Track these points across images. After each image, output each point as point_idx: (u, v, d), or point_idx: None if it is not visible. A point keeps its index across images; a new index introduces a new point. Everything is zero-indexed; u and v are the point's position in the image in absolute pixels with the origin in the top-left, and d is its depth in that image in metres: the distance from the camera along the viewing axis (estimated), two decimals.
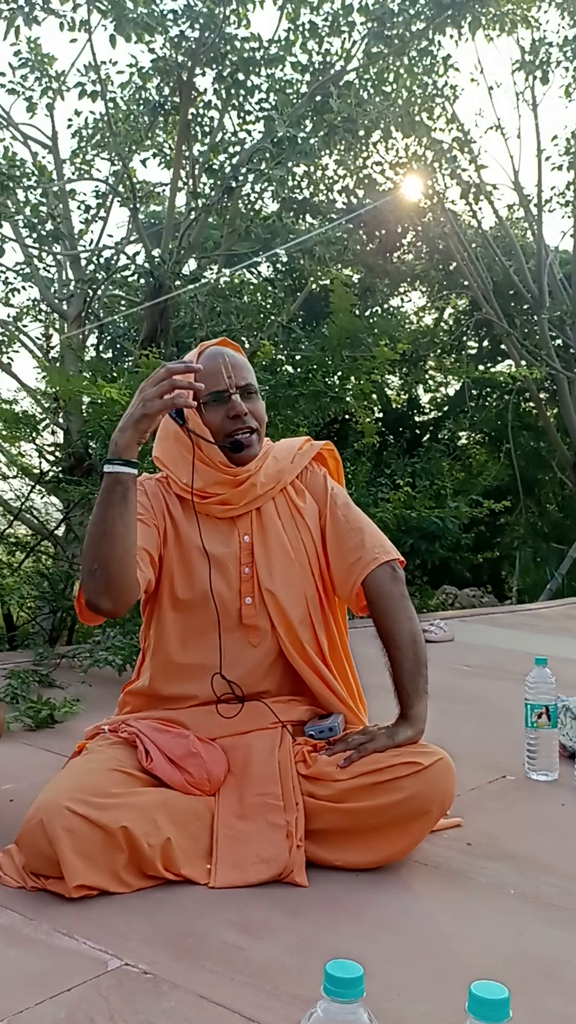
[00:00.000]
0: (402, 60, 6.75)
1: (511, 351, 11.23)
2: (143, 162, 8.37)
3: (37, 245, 6.99)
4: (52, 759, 2.24)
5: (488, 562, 11.10)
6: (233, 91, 6.44)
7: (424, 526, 5.95)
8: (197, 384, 1.57)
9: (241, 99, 6.54)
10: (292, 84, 6.71)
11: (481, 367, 11.45)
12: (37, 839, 1.46)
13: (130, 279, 7.76)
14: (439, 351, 12.16)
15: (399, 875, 1.62)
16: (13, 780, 2.05)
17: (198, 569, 1.73)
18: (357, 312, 7.59)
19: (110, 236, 14.71)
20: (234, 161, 6.59)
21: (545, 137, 13.02)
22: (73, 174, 7.56)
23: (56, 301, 7.44)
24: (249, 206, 7.13)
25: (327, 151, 7.28)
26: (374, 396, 10.07)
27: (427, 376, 12.81)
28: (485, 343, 13.33)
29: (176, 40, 6.07)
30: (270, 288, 9.89)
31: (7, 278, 7.92)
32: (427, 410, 13.67)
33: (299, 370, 5.83)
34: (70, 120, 7.94)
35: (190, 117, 6.64)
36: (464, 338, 13.28)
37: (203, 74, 6.43)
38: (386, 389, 12.27)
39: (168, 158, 7.43)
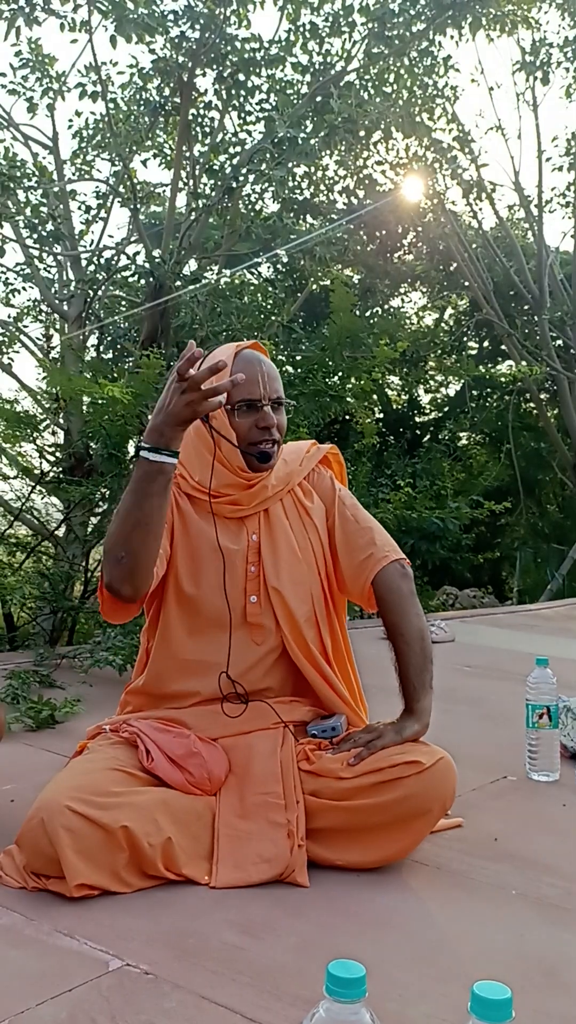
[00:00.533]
0: (402, 60, 6.74)
1: (512, 352, 11.23)
2: (144, 163, 8.38)
3: (38, 246, 6.99)
4: (53, 759, 2.24)
5: (489, 563, 11.11)
6: (233, 92, 6.44)
7: (425, 526, 5.96)
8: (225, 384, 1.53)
9: (241, 100, 6.54)
10: (292, 85, 6.71)
11: (482, 368, 11.46)
12: (38, 838, 1.46)
13: (130, 280, 7.76)
14: (439, 352, 12.16)
15: (400, 875, 1.62)
16: (14, 780, 2.05)
17: (208, 566, 1.74)
18: (357, 312, 7.59)
19: (111, 237, 14.70)
20: (234, 162, 6.59)
21: (545, 138, 13.03)
22: (74, 175, 7.56)
23: (56, 301, 7.44)
24: (249, 206, 7.13)
25: (328, 151, 7.27)
26: (375, 397, 10.08)
27: (427, 376, 12.81)
28: (485, 344, 13.33)
29: (177, 41, 6.07)
30: (270, 288, 9.89)
31: (8, 278, 7.93)
32: (427, 411, 13.68)
33: (299, 370, 5.83)
34: (71, 121, 7.96)
35: (190, 118, 6.64)
36: (464, 339, 13.29)
37: (203, 75, 6.43)
38: (386, 390, 12.28)
39: (168, 159, 7.43)
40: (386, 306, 12.27)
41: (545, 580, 10.93)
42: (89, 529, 5.14)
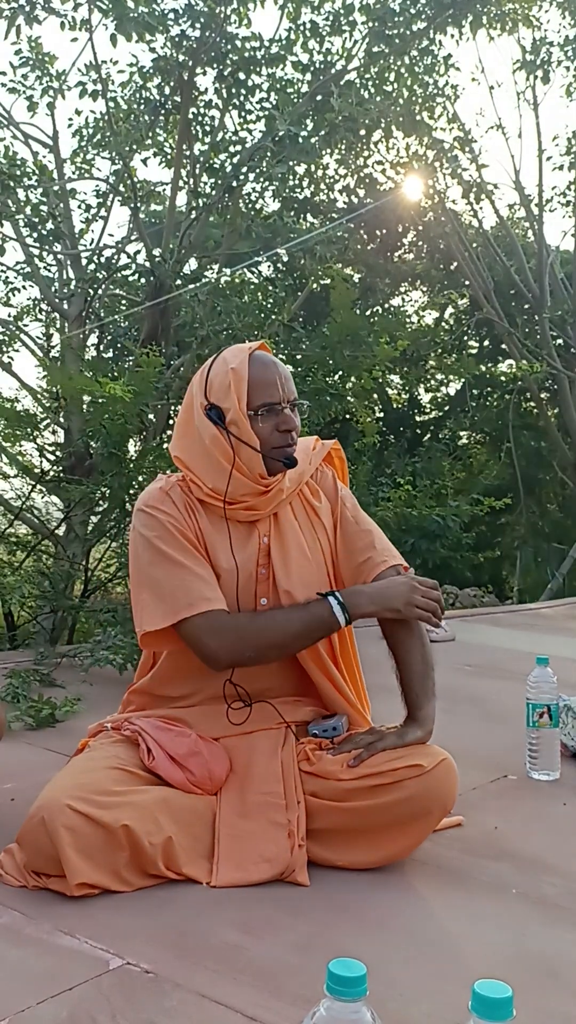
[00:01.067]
0: (403, 59, 6.74)
1: (512, 351, 11.22)
2: (144, 161, 8.34)
3: (38, 244, 6.99)
4: (53, 758, 2.24)
5: (489, 562, 11.10)
6: (234, 90, 6.43)
7: (425, 525, 5.96)
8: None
9: (242, 98, 6.53)
10: (293, 83, 6.70)
11: (482, 367, 11.45)
12: (38, 837, 1.46)
13: (131, 278, 7.75)
14: (440, 350, 12.15)
15: (401, 874, 1.62)
16: (14, 779, 2.05)
17: (220, 570, 1.72)
18: (358, 311, 7.58)
19: (111, 235, 14.73)
20: (235, 160, 6.58)
21: (546, 137, 12.99)
22: (74, 173, 7.55)
23: (57, 300, 7.43)
24: (250, 205, 7.12)
25: (328, 150, 7.27)
26: (375, 395, 10.08)
27: (428, 375, 12.80)
28: (486, 343, 13.32)
29: (177, 39, 6.06)
30: (271, 287, 9.88)
31: (8, 277, 7.92)
32: (428, 410, 13.68)
33: (300, 369, 5.83)
34: (71, 119, 7.95)
35: (191, 116, 6.64)
36: (465, 337, 13.28)
37: (204, 73, 6.42)
38: (387, 388, 12.28)
39: (169, 157, 7.42)
40: (386, 305, 12.25)
41: (545, 579, 10.93)
42: (89, 528, 5.14)
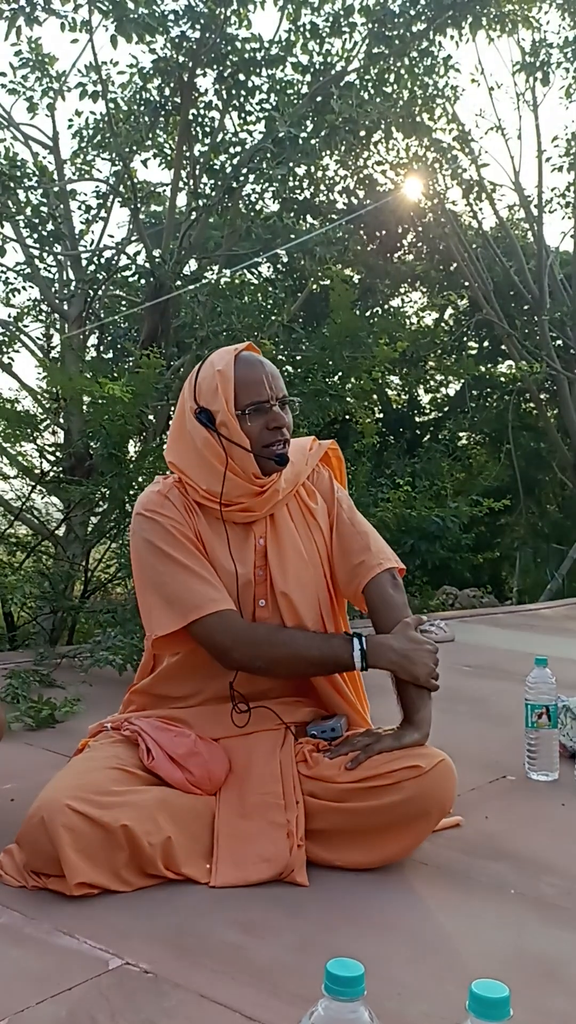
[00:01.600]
0: (403, 61, 6.74)
1: (511, 352, 11.22)
2: (144, 162, 8.36)
3: (38, 245, 6.99)
4: (53, 759, 2.24)
5: (488, 563, 11.09)
6: (234, 91, 6.44)
7: (424, 526, 5.94)
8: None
9: (242, 99, 6.54)
10: (293, 85, 6.71)
11: (482, 367, 11.45)
12: (38, 837, 1.46)
13: (131, 279, 7.76)
14: (439, 351, 12.15)
15: (400, 875, 1.62)
16: (14, 779, 2.05)
17: (219, 572, 1.72)
18: (357, 312, 7.59)
19: (111, 236, 14.69)
20: (235, 161, 6.59)
21: (546, 138, 12.99)
22: (74, 174, 7.56)
23: (57, 301, 7.43)
24: (250, 206, 7.13)
25: (328, 151, 7.27)
26: (375, 396, 10.08)
27: (427, 376, 12.80)
28: (485, 344, 13.33)
29: (177, 41, 6.07)
30: (271, 288, 9.89)
31: (8, 278, 7.93)
32: (427, 410, 13.69)
33: (299, 370, 5.83)
34: (71, 120, 7.96)
35: (191, 117, 6.64)
36: (464, 338, 13.29)
37: (204, 74, 6.43)
38: (386, 389, 12.28)
39: (169, 158, 7.43)
40: (386, 306, 12.26)
41: (545, 580, 10.93)
42: (89, 528, 5.14)
